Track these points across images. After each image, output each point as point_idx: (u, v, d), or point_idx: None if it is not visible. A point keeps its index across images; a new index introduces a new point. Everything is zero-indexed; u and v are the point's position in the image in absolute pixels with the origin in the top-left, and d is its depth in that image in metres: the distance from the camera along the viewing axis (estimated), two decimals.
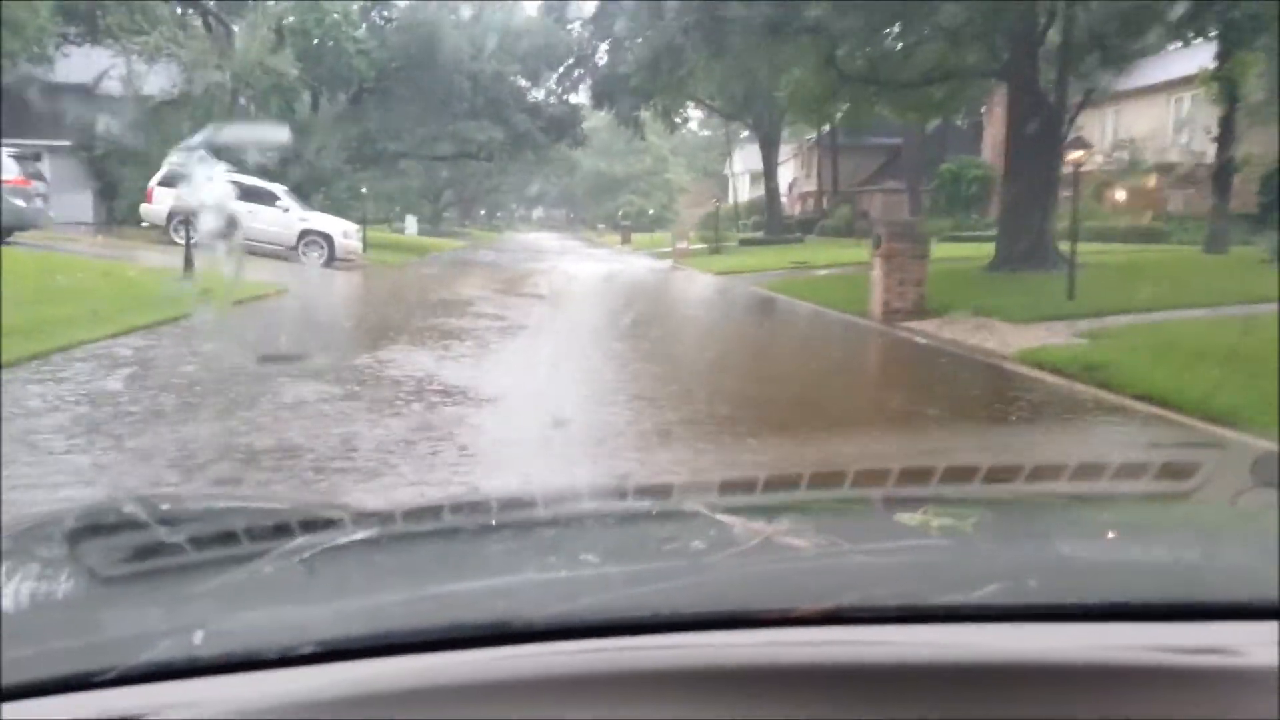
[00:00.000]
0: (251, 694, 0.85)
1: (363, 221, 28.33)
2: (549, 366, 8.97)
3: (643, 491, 1.75)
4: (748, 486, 1.61)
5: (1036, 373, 8.85)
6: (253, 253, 22.74)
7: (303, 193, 28.77)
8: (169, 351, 9.72)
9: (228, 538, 1.26)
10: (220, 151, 26.66)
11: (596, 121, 42.82)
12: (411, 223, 46.23)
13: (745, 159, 57.44)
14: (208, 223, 22.99)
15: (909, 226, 13.86)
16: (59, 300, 11.84)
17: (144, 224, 23.50)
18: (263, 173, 28.95)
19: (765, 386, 8.15)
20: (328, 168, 28.77)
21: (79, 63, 30.39)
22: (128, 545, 1.29)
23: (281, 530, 1.24)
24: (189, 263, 15.66)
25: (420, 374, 8.37)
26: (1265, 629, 0.90)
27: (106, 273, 15.73)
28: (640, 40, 25.83)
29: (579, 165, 58.44)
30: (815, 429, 6.20)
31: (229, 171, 24.61)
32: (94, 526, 1.41)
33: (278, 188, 23.55)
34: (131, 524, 1.37)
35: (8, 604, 1.16)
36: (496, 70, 30.47)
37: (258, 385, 7.87)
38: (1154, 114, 31.67)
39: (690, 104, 38.16)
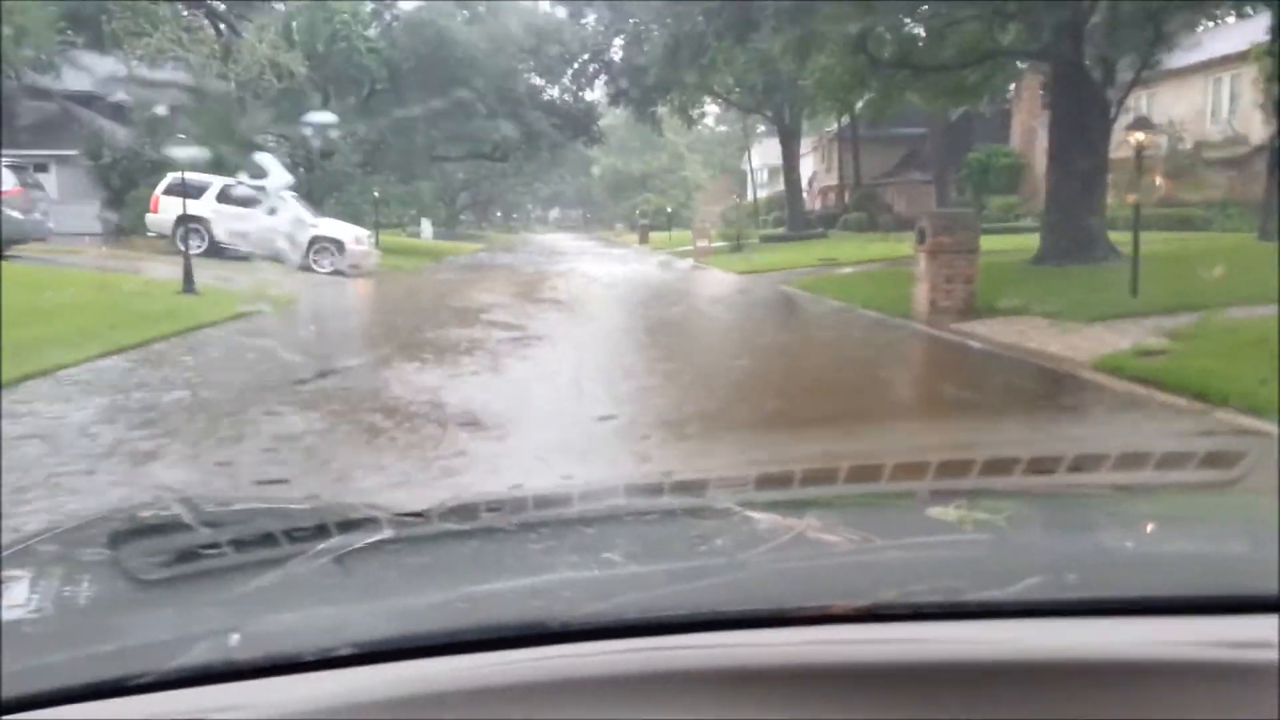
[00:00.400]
0: (290, 696, 0.85)
1: (375, 226, 27.46)
2: (571, 387, 7.96)
3: (678, 488, 1.67)
4: (784, 481, 1.56)
5: (1125, 385, 7.74)
6: (261, 261, 21.95)
7: (315, 198, 27.95)
8: (154, 375, 8.78)
9: (266, 539, 1.25)
10: (229, 157, 25.91)
11: (612, 119, 41.85)
12: (427, 226, 45.35)
13: (763, 154, 56.28)
14: (210, 232, 22.15)
15: (958, 218, 12.76)
16: (44, 318, 10.94)
17: (150, 234, 22.69)
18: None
19: (817, 405, 7.10)
20: (340, 171, 27.89)
21: (87, 71, 29.70)
22: (166, 548, 1.28)
23: (319, 531, 1.23)
24: (189, 275, 14.74)
25: (426, 399, 7.39)
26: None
27: (102, 286, 14.84)
28: (659, 29, 24.92)
29: (595, 164, 57.50)
30: (879, 457, 5.17)
31: (236, 178, 23.86)
32: (133, 530, 1.42)
33: (285, 192, 22.67)
34: (171, 527, 1.39)
35: (46, 609, 1.16)
36: (509, 67, 29.50)
37: (242, 416, 6.91)
38: (1190, 96, 30.33)
39: (708, 98, 37.07)
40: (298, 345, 10.32)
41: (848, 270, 21.31)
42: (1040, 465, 1.55)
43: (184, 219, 21.94)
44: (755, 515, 1.27)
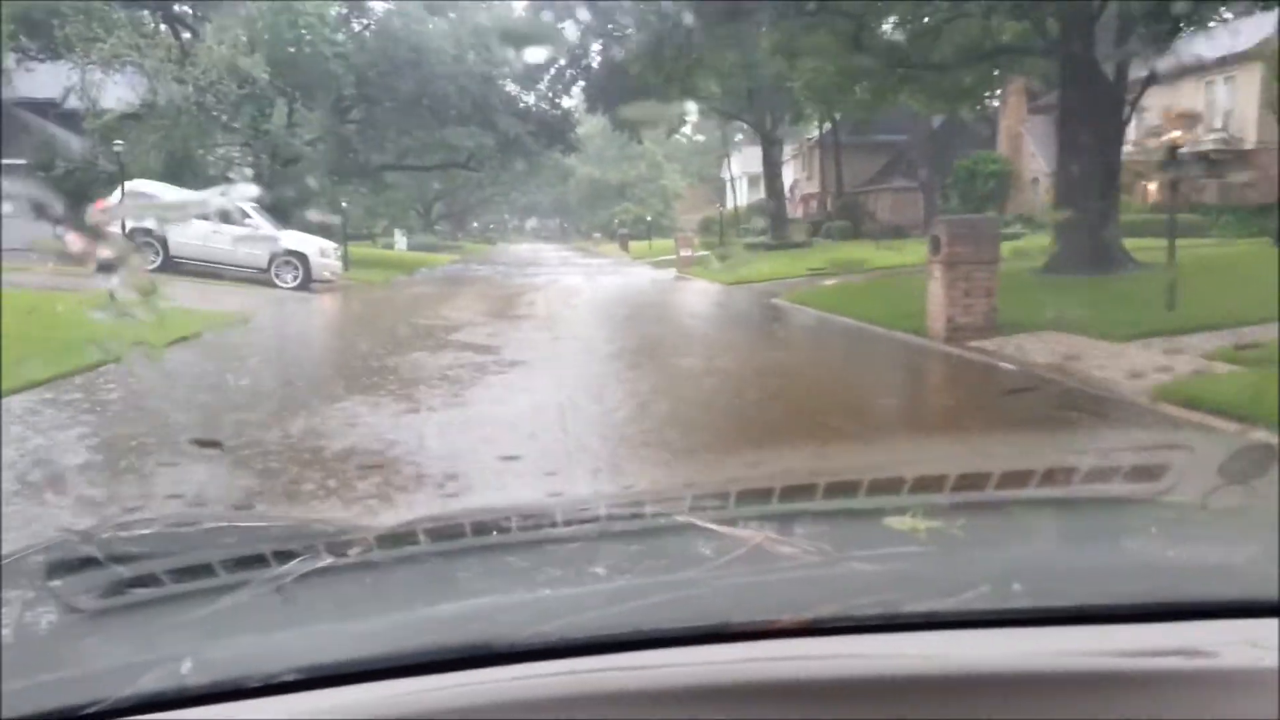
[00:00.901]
0: (273, 715, 0.84)
1: (344, 237, 26.02)
2: (554, 425, 6.64)
3: (636, 502, 1.64)
4: (763, 496, 1.54)
5: (1202, 417, 6.51)
6: (220, 276, 20.49)
7: (280, 209, 26.50)
8: (50, 419, 7.41)
9: (205, 569, 1.23)
10: (186, 167, 24.43)
11: (589, 128, 40.57)
12: (400, 237, 43.95)
13: (742, 162, 55.23)
14: (164, 245, 20.67)
15: (977, 226, 11.57)
16: None
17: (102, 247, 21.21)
18: (237, 190, 26.70)
19: (845, 453, 5.82)
20: (307, 182, 26.44)
21: (41, 79, 28.05)
22: (105, 580, 1.25)
23: (258, 560, 1.22)
24: (114, 296, 13.28)
25: (377, 447, 6.06)
26: (1240, 627, 0.90)
27: (32, 310, 13.36)
28: (641, 30, 23.72)
29: (572, 173, 56.16)
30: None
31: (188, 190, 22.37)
32: (74, 560, 1.36)
33: (248, 204, 21.24)
34: (112, 556, 1.35)
35: (23, 634, 1.15)
36: (483, 73, 28.18)
37: (146, 473, 5.58)
38: (1183, 99, 29.47)
39: (689, 104, 35.87)
40: (226, 381, 8.97)
41: (839, 281, 20.13)
42: (1011, 481, 1.50)
43: (135, 233, 20.52)
44: (712, 528, 1.27)
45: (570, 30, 30.79)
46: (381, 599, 1.22)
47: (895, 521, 1.25)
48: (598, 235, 58.93)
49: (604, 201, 61.46)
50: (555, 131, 31.85)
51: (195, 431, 6.58)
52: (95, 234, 18.18)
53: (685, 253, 27.82)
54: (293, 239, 20.97)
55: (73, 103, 25.94)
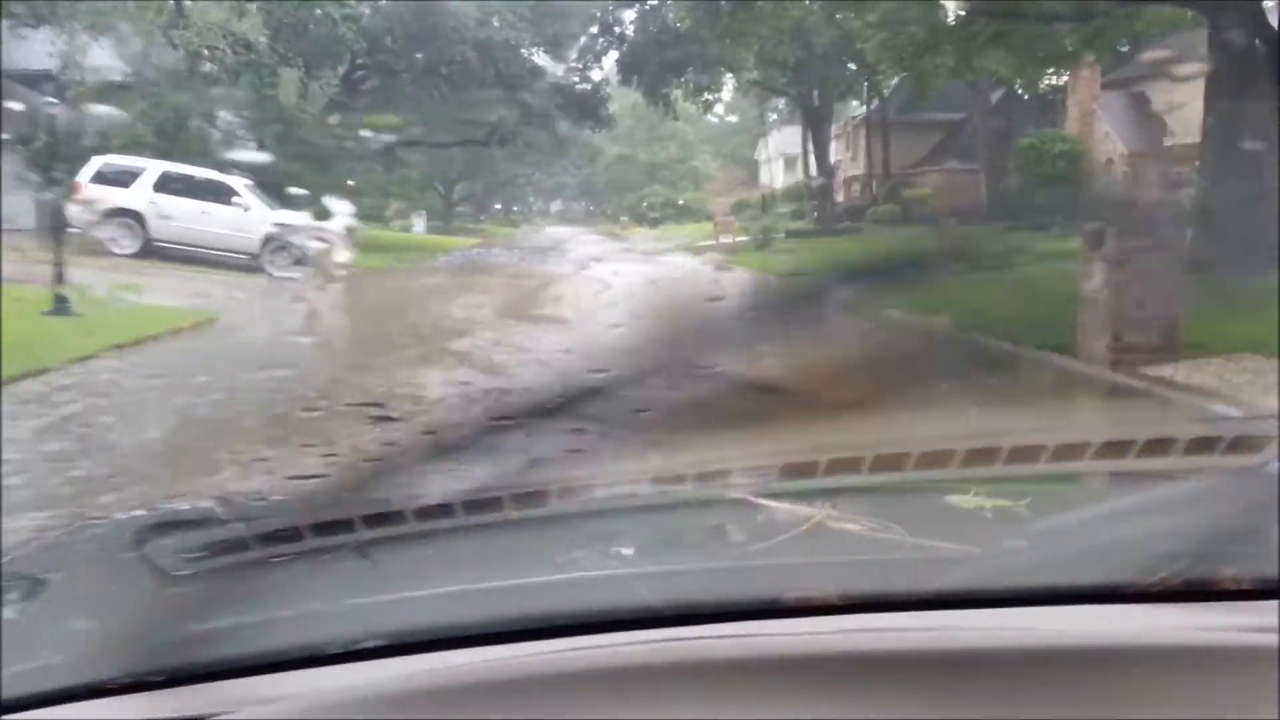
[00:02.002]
0: (318, 688, 0.84)
1: (352, 218, 23.38)
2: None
3: (696, 478, 1.56)
4: (806, 470, 1.46)
5: None
6: (207, 262, 17.95)
7: (283, 189, 23.91)
8: None
9: (291, 534, 1.22)
10: (178, 141, 21.85)
11: (618, 107, 37.72)
12: (419, 220, 41.29)
13: (778, 143, 52.20)
14: (145, 227, 18.13)
15: (1154, 213, 8.70)
16: None
17: (72, 229, 18.65)
18: (231, 166, 24.10)
19: None
20: (314, 158, 23.78)
21: (34, 48, 25.47)
22: (195, 544, 1.25)
23: (344, 525, 1.22)
24: (59, 290, 10.69)
25: None
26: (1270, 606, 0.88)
27: None
28: None
29: (600, 154, 53.29)
30: None
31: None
32: (162, 525, 1.37)
33: (238, 181, 18.64)
34: (199, 522, 1.37)
35: (74, 605, 1.18)
36: (507, 40, 25.35)
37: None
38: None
39: (729, 77, 32.95)
40: (140, 414, 6.34)
41: None
42: (1062, 454, 1.41)
43: (111, 213, 18.00)
44: (772, 505, 1.26)
45: None
46: (465, 568, 1.24)
47: (959, 499, 1.23)
48: (625, 219, 56.04)
49: (632, 183, 58.46)
50: (585, 106, 29.01)
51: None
52: (61, 217, 15.53)
53: (726, 239, 25.05)
54: (289, 220, 18.35)
55: (68, 74, 23.34)
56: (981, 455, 1.46)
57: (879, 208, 36.03)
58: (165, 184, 17.98)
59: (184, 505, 1.71)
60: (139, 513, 1.49)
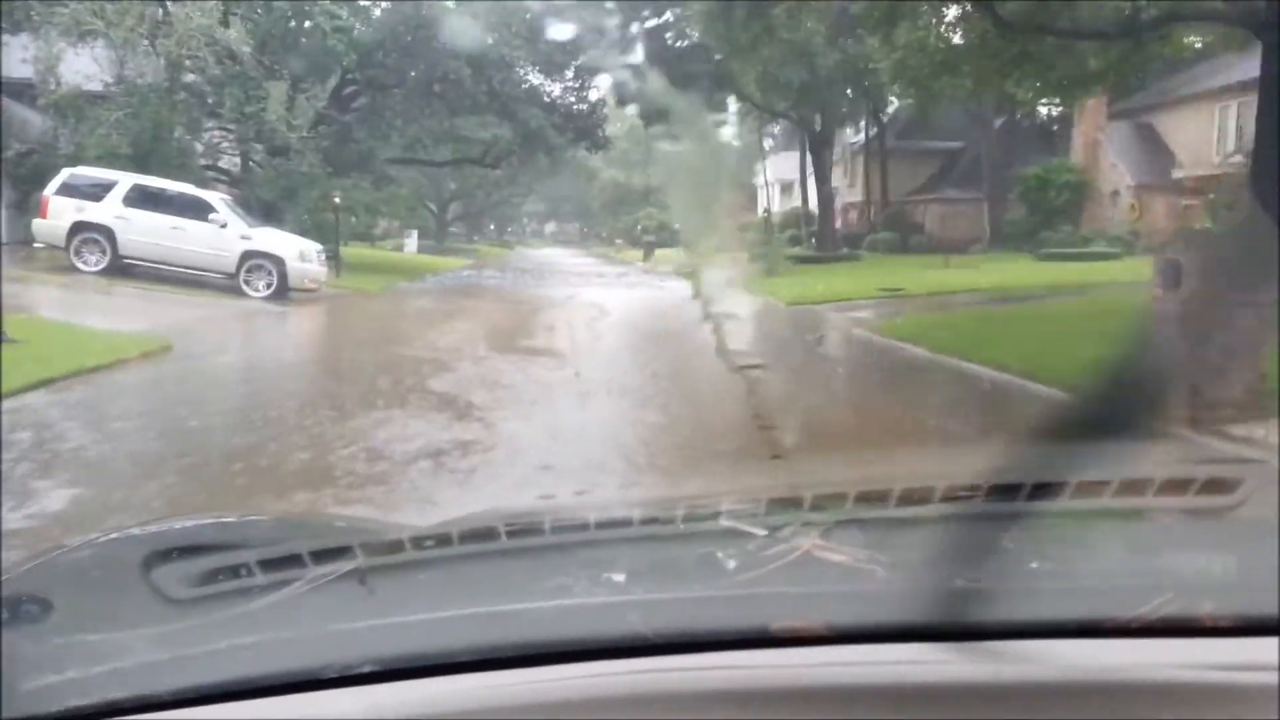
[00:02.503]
0: (313, 712, 0.84)
1: (336, 237, 22.21)
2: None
3: (688, 507, 1.56)
4: (794, 503, 1.49)
5: None
6: (180, 281, 16.75)
7: (271, 206, 22.74)
8: None
9: (293, 560, 1.20)
10: (155, 154, 20.67)
11: (613, 129, 36.74)
12: (412, 239, 40.17)
13: (775, 168, 51.33)
14: (114, 243, 16.95)
15: (1247, 246, 7.57)
16: None
17: (37, 244, 17.44)
18: (212, 181, 22.94)
19: None
20: (297, 173, 22.63)
21: (17, 56, 24.30)
22: (198, 569, 1.27)
23: (344, 552, 1.24)
24: None
25: None
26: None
27: None
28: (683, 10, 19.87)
29: (595, 176, 52.38)
30: None
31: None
32: (163, 550, 1.36)
33: (214, 197, 17.47)
34: (197, 546, 1.39)
35: (68, 625, 1.15)
36: (502, 57, 24.32)
37: None
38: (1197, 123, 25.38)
39: (730, 99, 31.99)
40: (21, 472, 5.13)
41: (926, 303, 16.21)
42: (1044, 491, 1.33)
43: (78, 227, 16.80)
44: (763, 535, 1.25)
45: (602, 13, 26.98)
46: (455, 594, 1.21)
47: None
48: (620, 242, 54.99)
49: (627, 206, 57.49)
50: (582, 126, 27.97)
51: None
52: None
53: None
54: (267, 239, 17.18)
55: (45, 83, 22.09)
56: (963, 490, 1.46)
57: (877, 235, 35.11)
58: (136, 198, 16.78)
59: (186, 526, 1.58)
60: (142, 532, 1.46)
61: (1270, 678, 0.84)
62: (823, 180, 30.38)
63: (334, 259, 21.63)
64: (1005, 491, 1.35)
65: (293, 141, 21.37)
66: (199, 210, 16.89)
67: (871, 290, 18.20)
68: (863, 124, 35.86)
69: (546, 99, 27.79)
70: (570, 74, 27.99)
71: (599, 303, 17.88)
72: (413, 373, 9.16)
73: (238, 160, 24.34)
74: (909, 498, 1.44)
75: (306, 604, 1.10)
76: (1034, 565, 1.24)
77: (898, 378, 9.00)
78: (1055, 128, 37.48)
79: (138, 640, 1.06)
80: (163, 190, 17.14)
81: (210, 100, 22.83)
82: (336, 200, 20.78)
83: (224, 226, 16.84)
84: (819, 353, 10.77)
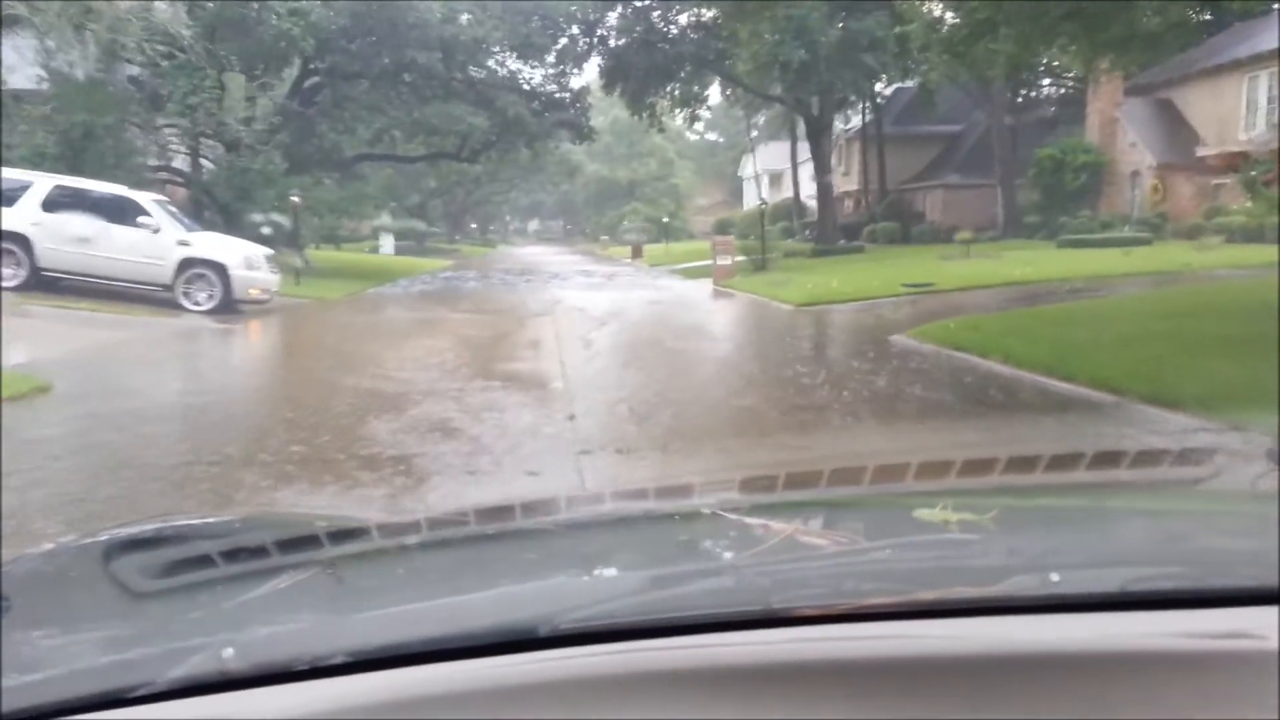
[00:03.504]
0: (284, 705, 0.83)
1: (297, 240, 19.82)
2: None
3: (664, 493, 1.59)
4: (768, 485, 1.51)
5: None
6: (106, 295, 14.34)
7: (227, 209, 20.31)
8: None
9: (258, 551, 1.20)
10: (87, 153, 18.20)
11: (597, 121, 34.39)
12: (388, 240, 37.74)
13: (763, 159, 49.13)
14: (32, 254, 14.47)
15: None
16: None
17: None
18: (154, 182, 20.44)
19: None
20: (252, 170, 20.18)
21: None
22: (160, 561, 1.23)
23: (310, 541, 1.21)
24: None
25: None
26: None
27: None
28: None
29: (578, 170, 50.03)
30: None
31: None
32: (126, 544, 1.34)
33: (146, 198, 14.99)
34: (164, 540, 1.35)
35: (42, 624, 1.12)
36: (475, 38, 21.91)
37: None
38: (1224, 96, 23.20)
39: (719, 84, 29.71)
40: None
41: (963, 301, 13.96)
42: (1017, 466, 1.45)
43: None
44: (744, 520, 1.24)
45: None
46: (429, 582, 1.19)
47: (926, 513, 1.19)
48: (605, 238, 52.65)
49: (612, 201, 55.22)
50: (564, 114, 25.59)
51: None
52: None
53: (724, 261, 21.58)
54: (207, 245, 14.75)
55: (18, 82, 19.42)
56: (935, 469, 1.45)
57: (877, 224, 32.90)
58: (57, 202, 14.33)
59: (150, 525, 1.43)
60: (107, 533, 1.35)
61: (1253, 645, 0.83)
62: (822, 168, 28.07)
63: (300, 264, 19.27)
64: (977, 468, 1.45)
65: (244, 136, 18.91)
66: (128, 214, 14.45)
67: (893, 286, 15.93)
68: (860, 109, 33.55)
69: (526, 86, 25.43)
70: (551, 59, 25.63)
71: (591, 309, 15.53)
72: (351, 415, 6.82)
73: (183, 159, 21.84)
74: (884, 476, 1.42)
75: (276, 596, 1.07)
76: (1016, 540, 1.22)
77: (993, 409, 6.73)
78: (1054, 109, 35.38)
79: (104, 637, 1.04)
80: (88, 192, 14.69)
81: (160, 94, 20.40)
82: (296, 200, 18.33)
83: (157, 231, 14.41)
84: (872, 376, 8.48)
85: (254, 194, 18.75)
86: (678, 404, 7.36)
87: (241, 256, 14.60)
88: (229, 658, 0.88)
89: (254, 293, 14.58)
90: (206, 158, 21.40)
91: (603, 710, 0.81)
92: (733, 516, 1.25)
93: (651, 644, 0.86)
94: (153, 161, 21.63)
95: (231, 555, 1.18)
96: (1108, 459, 1.66)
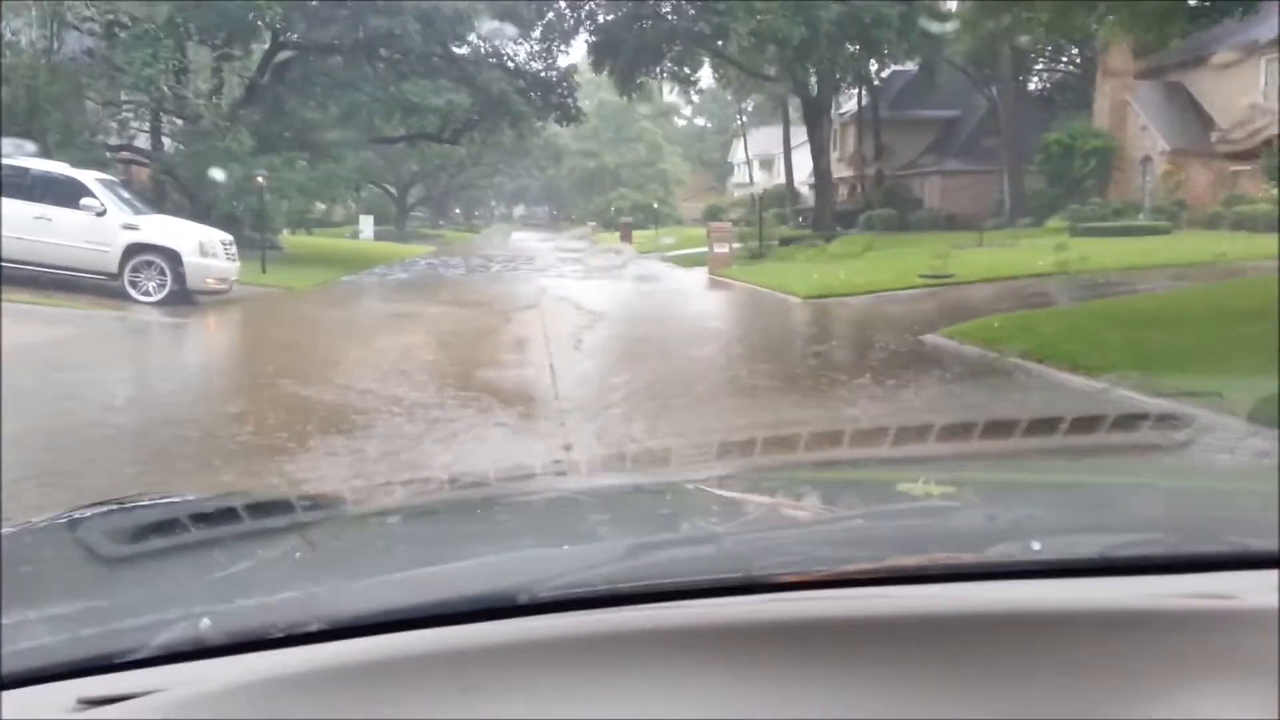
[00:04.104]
0: (259, 671, 0.81)
1: (264, 224, 18.26)
2: None
3: (642, 458, 1.58)
4: (745, 449, 1.50)
5: None
6: (46, 285, 12.82)
7: (190, 190, 18.73)
8: None
9: (229, 514, 1.20)
10: (32, 131, 16.57)
11: (583, 104, 32.85)
12: (367, 225, 36.10)
13: (754, 144, 47.67)
14: None
15: None
16: None
17: None
18: (109, 162, 18.82)
19: None
20: (215, 149, 18.57)
21: None
22: (130, 525, 1.23)
23: (283, 507, 1.20)
24: None
25: None
26: (1266, 576, 0.88)
27: None
28: None
29: (565, 154, 48.42)
30: None
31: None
32: (101, 515, 1.32)
33: (89, 177, 13.42)
34: (140, 510, 1.36)
35: (28, 595, 1.10)
36: (456, 10, 20.34)
37: None
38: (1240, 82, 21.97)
39: (710, 62, 28.21)
40: None
41: (993, 294, 12.64)
42: (994, 431, 1.45)
43: None
44: (726, 494, 1.21)
45: None
46: (405, 551, 1.16)
47: (909, 487, 1.17)
48: (593, 224, 51.09)
49: (599, 187, 53.55)
50: (551, 94, 24.04)
51: None
52: None
53: (721, 249, 20.16)
54: (157, 229, 13.22)
55: None
56: (914, 433, 1.48)
57: (874, 212, 31.54)
58: None
59: (126, 505, 1.38)
60: (79, 508, 1.32)
61: (1231, 605, 0.83)
62: (819, 152, 26.66)
63: (269, 249, 17.72)
64: (955, 432, 1.50)
65: (205, 110, 17.31)
66: (69, 195, 12.91)
67: (907, 277, 14.58)
68: (856, 92, 32.14)
69: (510, 64, 23.85)
70: (537, 35, 24.06)
71: (581, 301, 14.09)
72: (292, 438, 5.39)
73: (140, 137, 20.20)
74: (862, 441, 1.46)
75: (253, 565, 1.05)
76: (997, 508, 1.20)
77: (1108, 440, 5.48)
78: (1050, 93, 34.06)
79: (80, 609, 1.02)
80: (23, 171, 13.12)
81: (119, 66, 18.73)
82: (261, 180, 16.74)
83: (101, 214, 12.87)
84: (915, 387, 7.09)
85: (217, 174, 17.13)
86: (693, 428, 5.94)
87: (195, 242, 13.06)
88: (207, 626, 0.86)
89: (210, 282, 13.07)
90: (170, 136, 19.77)
91: (581, 674, 0.79)
92: (715, 491, 1.22)
93: (630, 610, 0.83)
94: (114, 140, 20.05)
95: (202, 519, 1.17)
96: (1088, 424, 1.65)
